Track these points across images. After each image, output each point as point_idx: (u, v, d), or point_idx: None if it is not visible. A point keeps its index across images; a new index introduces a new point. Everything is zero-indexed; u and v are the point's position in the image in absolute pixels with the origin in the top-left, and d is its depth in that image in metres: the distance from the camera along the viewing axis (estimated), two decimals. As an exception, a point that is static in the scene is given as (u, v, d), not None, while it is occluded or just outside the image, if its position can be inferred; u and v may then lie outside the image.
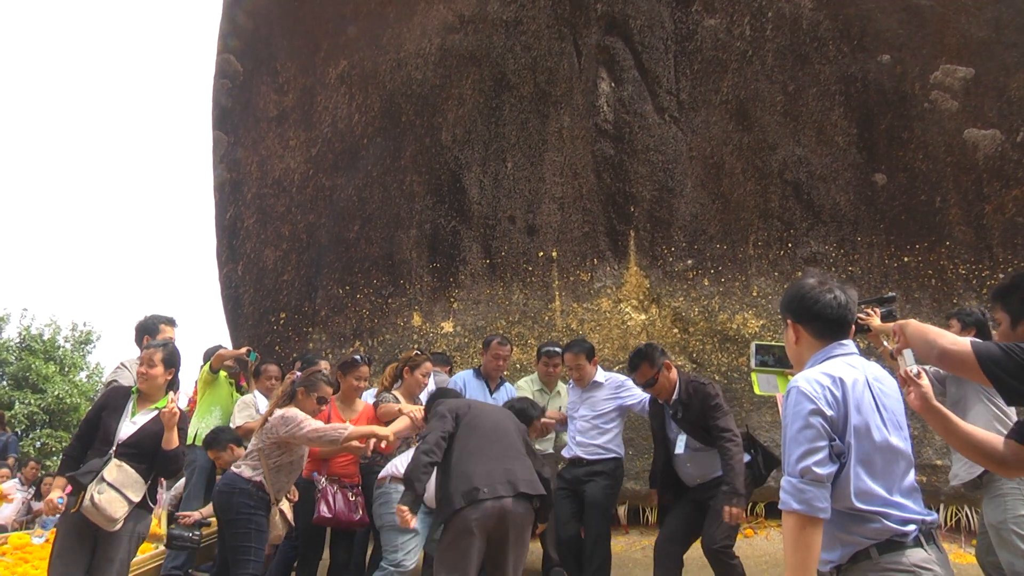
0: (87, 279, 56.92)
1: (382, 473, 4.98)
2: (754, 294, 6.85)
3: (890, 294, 4.07)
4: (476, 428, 4.10)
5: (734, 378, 6.68)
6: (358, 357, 5.45)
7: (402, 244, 7.58)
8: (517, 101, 7.45)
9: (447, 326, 7.29)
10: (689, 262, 6.99)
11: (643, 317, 6.94)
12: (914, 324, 2.52)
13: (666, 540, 4.83)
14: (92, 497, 4.11)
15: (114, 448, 4.33)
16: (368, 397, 5.76)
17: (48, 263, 55.84)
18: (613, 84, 7.30)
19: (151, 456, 4.42)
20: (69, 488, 4.22)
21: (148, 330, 5.53)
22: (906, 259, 6.77)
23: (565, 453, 5.70)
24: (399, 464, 4.82)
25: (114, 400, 4.44)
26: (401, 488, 4.44)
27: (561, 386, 6.17)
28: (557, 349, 5.99)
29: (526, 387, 6.12)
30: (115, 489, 4.21)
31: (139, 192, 72.92)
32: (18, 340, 23.07)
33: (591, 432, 5.52)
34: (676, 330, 6.89)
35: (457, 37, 7.63)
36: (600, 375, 5.67)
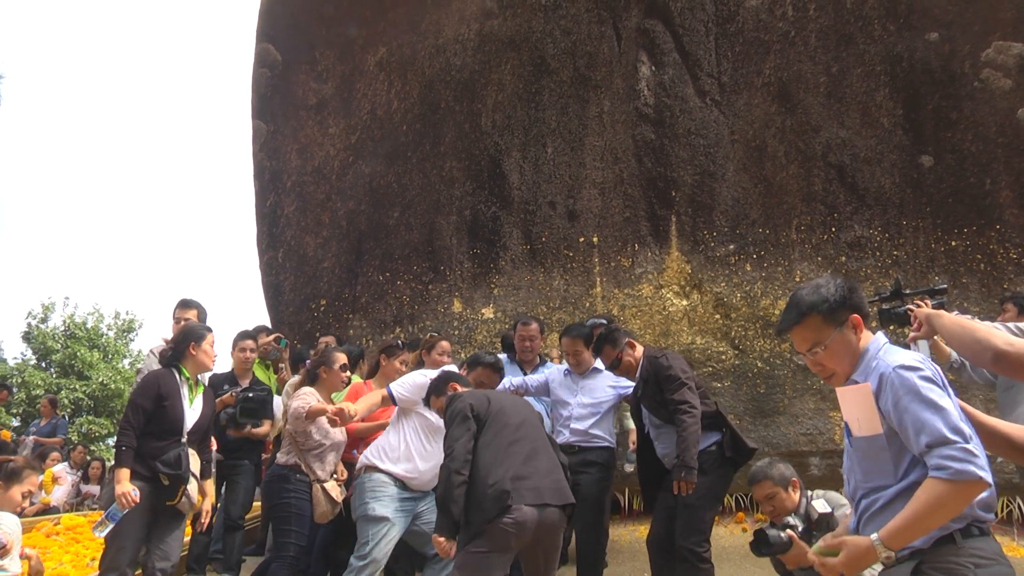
0: (129, 267, 57.94)
1: (358, 463, 4.70)
2: (797, 279, 6.77)
3: (942, 285, 3.94)
4: (502, 426, 3.78)
5: (776, 364, 6.62)
6: (400, 343, 5.51)
7: (442, 230, 7.61)
8: (557, 86, 7.42)
9: (488, 312, 7.30)
10: (731, 247, 6.92)
11: (684, 303, 6.90)
12: (949, 318, 2.42)
13: (655, 533, 4.70)
14: (187, 491, 4.31)
15: (184, 437, 4.44)
16: None
17: (91, 252, 56.93)
18: (653, 67, 7.24)
19: (205, 438, 4.68)
20: (126, 473, 4.28)
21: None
22: (953, 243, 6.64)
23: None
24: (371, 454, 4.58)
25: (168, 388, 4.44)
26: (377, 477, 4.40)
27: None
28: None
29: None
30: (193, 476, 4.38)
31: (180, 181, 73.94)
32: (63, 328, 23.59)
33: (587, 419, 5.27)
34: (718, 316, 6.83)
35: (496, 22, 7.61)
36: (599, 362, 5.40)
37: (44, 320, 23.87)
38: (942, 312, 2.49)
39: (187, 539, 5.94)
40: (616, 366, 4.76)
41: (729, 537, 6.26)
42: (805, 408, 6.41)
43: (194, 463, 4.47)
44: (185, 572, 5.77)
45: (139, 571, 4.60)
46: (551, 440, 4.03)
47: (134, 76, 76.89)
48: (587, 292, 7.10)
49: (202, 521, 4.74)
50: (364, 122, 8.14)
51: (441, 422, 4.29)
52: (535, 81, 7.48)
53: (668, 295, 6.94)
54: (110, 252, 59.07)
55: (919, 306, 3.47)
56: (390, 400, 4.62)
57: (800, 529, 3.50)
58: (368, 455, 4.57)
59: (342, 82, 8.36)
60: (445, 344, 5.65)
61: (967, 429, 2.02)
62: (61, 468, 10.57)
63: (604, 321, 6.09)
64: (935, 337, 2.56)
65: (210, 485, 4.79)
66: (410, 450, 4.50)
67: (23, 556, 4.27)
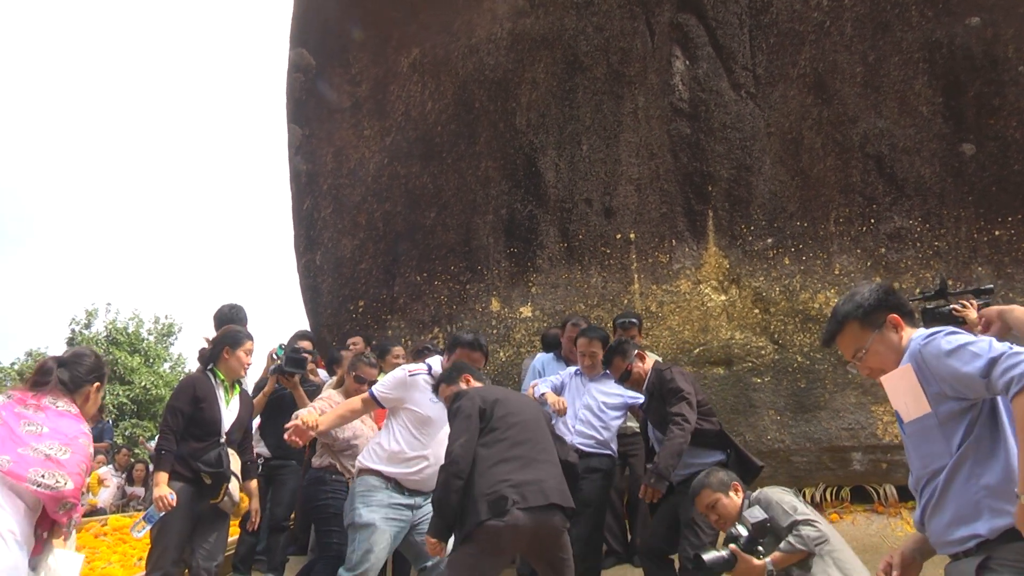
0: (168, 272, 58.83)
1: (355, 466, 4.57)
2: (836, 272, 6.70)
3: (988, 285, 3.89)
4: (508, 425, 3.68)
5: (816, 359, 6.56)
6: (429, 346, 5.60)
7: (479, 230, 7.64)
8: (591, 83, 7.42)
9: (525, 311, 7.32)
10: (769, 241, 6.87)
11: (723, 298, 6.87)
12: (1020, 311, 2.43)
13: (650, 543, 4.66)
14: (228, 489, 4.42)
15: (223, 438, 4.55)
16: None
17: (130, 259, 57.92)
18: (687, 62, 7.20)
19: (245, 438, 4.83)
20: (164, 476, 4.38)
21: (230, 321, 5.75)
22: (997, 232, 6.53)
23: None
24: (364, 455, 4.45)
25: (203, 390, 4.56)
26: (368, 480, 4.26)
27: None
28: (632, 320, 6.18)
29: None
30: (235, 476, 4.49)
31: (216, 186, 74.89)
32: (105, 334, 24.05)
33: (594, 423, 5.17)
34: (757, 310, 6.79)
35: (528, 21, 7.62)
36: None
37: (87, 326, 24.39)
38: (1014, 307, 2.49)
39: (233, 539, 6.08)
40: (626, 379, 4.73)
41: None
42: (847, 402, 6.35)
43: (235, 463, 4.58)
44: (231, 572, 5.88)
45: (187, 571, 4.71)
46: (558, 440, 3.98)
47: (174, 84, 77.98)
48: (625, 289, 7.09)
49: (252, 520, 4.83)
50: (399, 123, 8.19)
51: (431, 412, 4.33)
52: (569, 79, 7.48)
53: (706, 290, 6.91)
54: (150, 258, 60.07)
55: (964, 306, 3.45)
56: (375, 403, 4.48)
57: (744, 540, 3.55)
58: (361, 457, 4.47)
59: (376, 84, 8.42)
60: (399, 350, 5.84)
61: (1004, 344, 2.05)
62: (106, 471, 10.83)
63: (635, 321, 6.11)
64: (1012, 332, 2.55)
65: (254, 485, 4.88)
66: (402, 447, 4.35)
67: None
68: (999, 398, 2.09)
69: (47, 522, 2.85)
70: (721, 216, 6.98)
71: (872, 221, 6.74)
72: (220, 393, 4.64)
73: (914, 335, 2.33)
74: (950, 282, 6.30)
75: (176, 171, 71.54)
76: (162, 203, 67.53)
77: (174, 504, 4.24)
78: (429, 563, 4.26)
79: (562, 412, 4.95)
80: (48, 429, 2.82)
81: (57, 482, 2.74)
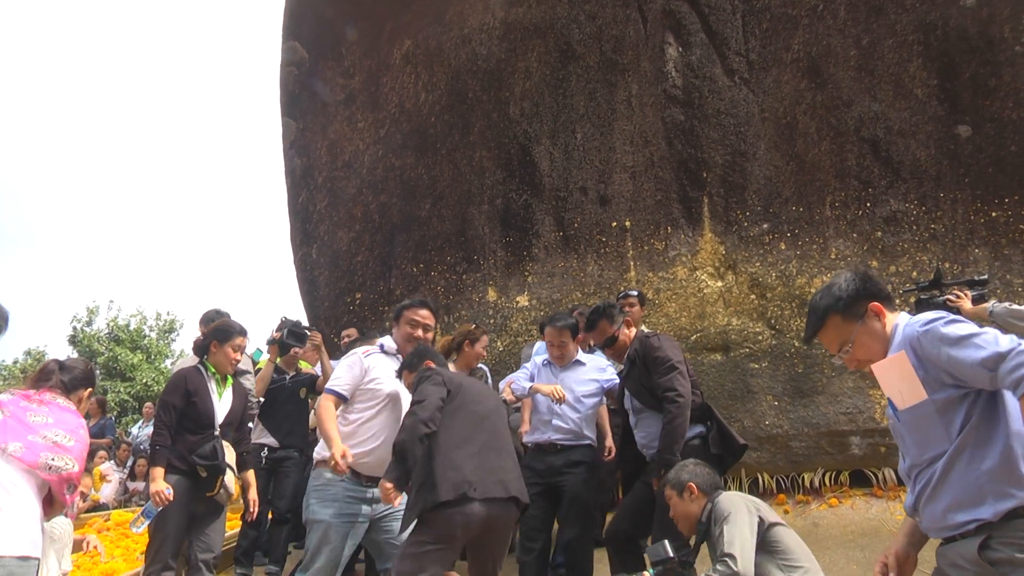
0: (170, 269, 58.88)
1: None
2: (832, 256, 6.69)
3: (982, 276, 3.86)
4: (469, 412, 3.59)
5: (813, 343, 6.53)
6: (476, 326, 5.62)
7: (474, 220, 7.63)
8: (584, 71, 7.40)
9: (522, 300, 7.32)
10: (765, 226, 6.86)
11: (719, 284, 6.86)
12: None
13: (617, 528, 4.41)
14: (224, 481, 4.44)
15: (217, 430, 4.57)
16: None
17: (132, 256, 57.97)
18: (680, 49, 7.18)
19: (235, 429, 4.80)
20: (160, 472, 4.39)
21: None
22: (994, 214, 6.51)
23: (528, 439, 5.07)
24: (320, 446, 4.21)
25: (195, 384, 4.60)
26: (322, 473, 4.05)
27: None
28: (633, 291, 6.30)
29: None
30: (230, 467, 4.51)
31: (216, 182, 74.81)
32: (107, 331, 24.07)
33: (571, 416, 4.93)
34: (753, 296, 6.78)
35: (520, 10, 7.60)
36: (581, 355, 5.24)
37: (89, 323, 24.38)
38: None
39: (235, 532, 6.10)
40: (611, 344, 4.52)
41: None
42: (844, 387, 6.34)
43: (229, 455, 4.60)
44: (232, 565, 5.90)
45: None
46: (512, 434, 3.84)
47: (173, 81, 77.83)
48: (621, 277, 7.09)
49: (251, 511, 4.84)
50: (392, 115, 8.18)
51: (395, 387, 4.12)
52: (562, 67, 7.46)
53: (703, 277, 6.90)
54: (152, 255, 60.23)
55: (958, 296, 3.44)
56: (342, 399, 4.18)
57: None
58: (318, 448, 4.22)
59: (369, 76, 8.40)
60: (486, 339, 5.62)
61: (1010, 339, 2.04)
62: (108, 466, 10.84)
63: (635, 293, 6.16)
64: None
65: (251, 476, 4.89)
66: (355, 427, 4.15)
67: (85, 545, 4.42)
68: None
69: (46, 501, 3.10)
70: (716, 202, 6.96)
71: (868, 205, 6.72)
72: (212, 386, 4.67)
73: (903, 320, 2.31)
74: (946, 266, 6.34)
75: (176, 168, 71.53)
76: (163, 200, 67.51)
77: (171, 498, 4.27)
78: (389, 565, 4.06)
79: (562, 398, 4.82)
80: (53, 420, 3.07)
81: (66, 464, 2.98)
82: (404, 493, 3.49)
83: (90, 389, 3.47)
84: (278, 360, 6.17)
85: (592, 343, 5.06)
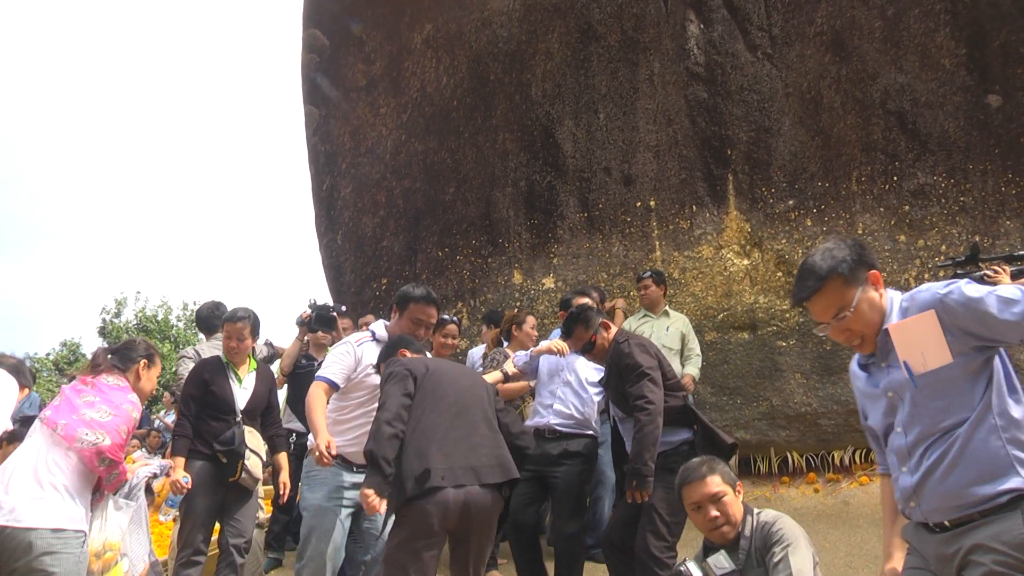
0: (196, 259, 59.38)
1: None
2: (859, 231, 6.63)
3: (1021, 252, 3.76)
4: (437, 397, 3.43)
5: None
6: (446, 316, 5.49)
7: (498, 203, 7.65)
8: (605, 51, 7.36)
9: (548, 282, 7.34)
10: (790, 202, 6.81)
11: (745, 262, 6.83)
12: None
13: (611, 535, 4.23)
14: (246, 466, 4.51)
15: (239, 416, 4.65)
16: (476, 355, 6.04)
17: (158, 247, 58.52)
18: (702, 25, 7.12)
19: (261, 415, 4.86)
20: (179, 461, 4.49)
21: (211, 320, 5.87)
22: (1026, 185, 6.42)
23: (529, 423, 4.78)
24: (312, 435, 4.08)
25: (212, 372, 4.69)
26: (313, 461, 3.90)
27: (674, 312, 6.29)
28: (645, 272, 6.28)
29: (633, 321, 6.21)
30: (255, 453, 4.58)
31: (241, 170, 75.28)
32: (135, 322, 24.47)
33: (573, 401, 4.73)
34: (780, 273, 6.75)
35: (540, -9, 7.56)
36: None
37: (118, 315, 24.81)
38: None
39: (267, 517, 6.19)
40: (589, 349, 4.26)
41: (801, 498, 6.24)
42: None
43: (253, 440, 4.65)
44: (264, 549, 5.99)
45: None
46: (496, 412, 3.63)
47: (197, 72, 78.27)
48: (647, 256, 7.08)
49: (281, 494, 4.92)
50: (414, 100, 8.20)
51: (375, 377, 3.99)
52: (583, 47, 7.43)
53: (728, 255, 6.88)
54: (178, 245, 60.60)
55: (996, 272, 3.39)
56: (334, 389, 4.06)
57: None
58: (310, 436, 4.09)
59: (390, 62, 8.42)
60: (533, 319, 5.57)
61: None
62: (140, 454, 11.05)
63: (648, 273, 6.17)
64: None
65: (283, 458, 4.94)
66: (345, 415, 4.11)
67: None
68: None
69: (108, 485, 3.43)
70: (741, 180, 6.92)
71: (895, 178, 6.65)
72: (230, 373, 4.75)
73: (896, 295, 2.26)
74: (976, 239, 6.26)
75: (200, 158, 72.03)
76: (188, 190, 68.08)
77: (189, 487, 4.38)
78: (368, 556, 4.09)
79: (564, 352, 4.61)
80: (99, 399, 3.35)
81: (97, 439, 3.21)
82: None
83: (145, 361, 3.68)
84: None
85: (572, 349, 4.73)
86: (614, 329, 4.31)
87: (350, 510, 4.00)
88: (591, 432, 4.73)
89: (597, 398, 4.77)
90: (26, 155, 65.06)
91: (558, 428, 4.65)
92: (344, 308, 6.26)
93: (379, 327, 4.29)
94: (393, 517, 3.27)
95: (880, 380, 2.27)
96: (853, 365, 2.46)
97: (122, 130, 69.86)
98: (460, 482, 3.19)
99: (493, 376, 4.78)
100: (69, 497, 3.12)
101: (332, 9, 8.74)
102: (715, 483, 3.11)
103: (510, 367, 4.95)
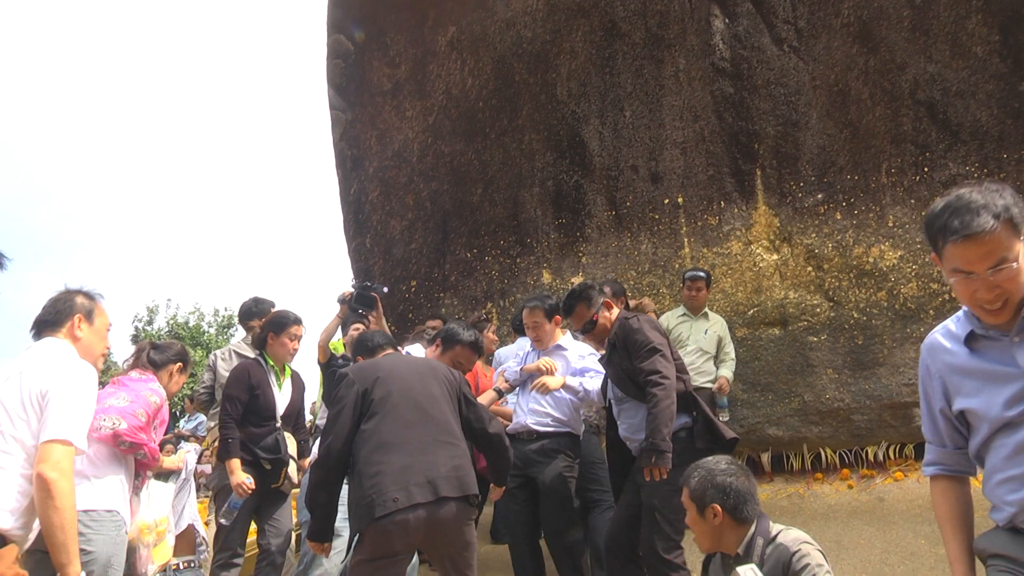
0: (227, 265, 60.00)
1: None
2: (890, 224, 6.57)
3: None
4: (390, 408, 3.26)
5: (873, 314, 6.45)
6: (484, 315, 5.58)
7: (526, 203, 7.67)
8: (630, 48, 7.35)
9: (577, 281, 7.34)
10: (819, 196, 6.75)
11: (775, 257, 6.79)
12: None
13: (613, 535, 4.13)
14: (288, 473, 4.60)
15: (279, 422, 4.70)
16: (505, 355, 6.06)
17: (188, 253, 59.20)
18: (727, 20, 7.08)
19: (299, 418, 4.97)
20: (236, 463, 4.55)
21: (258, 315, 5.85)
22: (1062, 173, 6.31)
23: (510, 428, 4.73)
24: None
25: (257, 377, 4.70)
26: None
27: (713, 314, 6.25)
28: (700, 273, 6.18)
29: (670, 318, 6.20)
30: (293, 458, 4.65)
31: (272, 176, 76.01)
32: (167, 329, 24.81)
33: (548, 400, 4.68)
34: (810, 268, 6.70)
35: (563, -10, 7.56)
36: (566, 339, 4.99)
37: (150, 323, 25.17)
38: None
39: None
40: (590, 329, 4.20)
41: (835, 495, 6.18)
42: (906, 357, 6.24)
43: (292, 445, 4.72)
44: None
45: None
46: (459, 403, 3.49)
47: (226, 79, 79.12)
48: (675, 254, 7.07)
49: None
50: (440, 102, 8.23)
51: None
52: (607, 46, 7.42)
53: (758, 251, 6.84)
54: (209, 251, 61.32)
55: None
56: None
57: None
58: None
59: (415, 65, 8.46)
60: (490, 325, 5.67)
61: None
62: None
63: (702, 274, 6.13)
64: None
65: (308, 464, 5.02)
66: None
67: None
68: None
69: (143, 466, 3.74)
70: (769, 174, 6.88)
71: (926, 170, 6.57)
72: (272, 378, 4.78)
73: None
74: None
75: (231, 165, 72.80)
76: (218, 198, 68.86)
77: (252, 487, 4.42)
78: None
79: (552, 369, 4.67)
80: (123, 392, 3.71)
81: (114, 423, 3.51)
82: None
83: (179, 364, 4.06)
84: (342, 345, 6.24)
85: (571, 329, 4.75)
86: (616, 310, 4.25)
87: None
88: (568, 430, 4.69)
89: (569, 397, 4.73)
90: (58, 168, 66.20)
91: (536, 428, 4.66)
92: (386, 289, 6.14)
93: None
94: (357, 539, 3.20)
95: (1018, 357, 1.88)
96: (937, 339, 2.10)
97: (152, 140, 70.81)
98: (416, 500, 3.05)
99: (487, 396, 4.82)
100: (91, 481, 3.40)
101: (356, 15, 8.79)
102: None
103: (502, 383, 4.95)
